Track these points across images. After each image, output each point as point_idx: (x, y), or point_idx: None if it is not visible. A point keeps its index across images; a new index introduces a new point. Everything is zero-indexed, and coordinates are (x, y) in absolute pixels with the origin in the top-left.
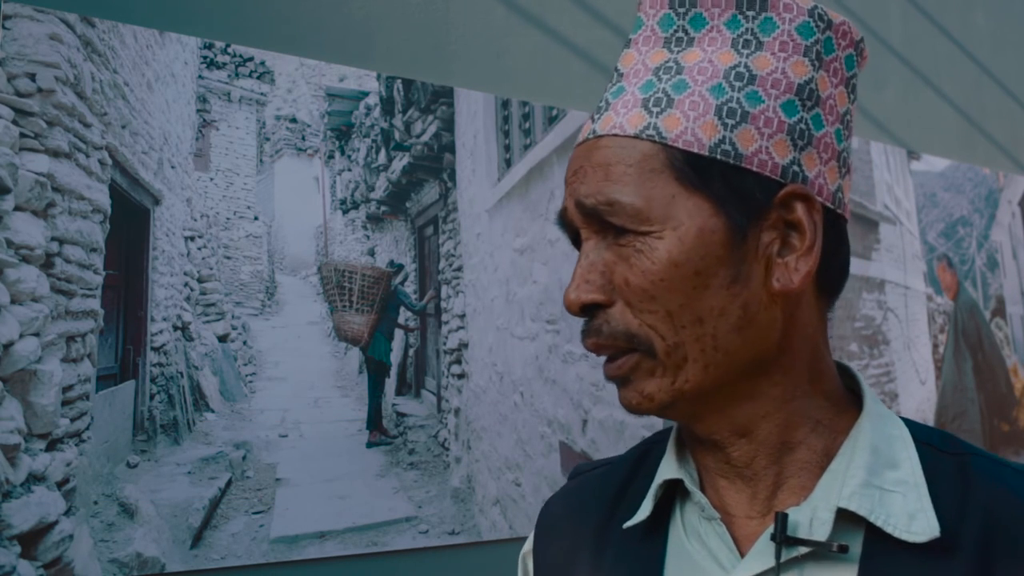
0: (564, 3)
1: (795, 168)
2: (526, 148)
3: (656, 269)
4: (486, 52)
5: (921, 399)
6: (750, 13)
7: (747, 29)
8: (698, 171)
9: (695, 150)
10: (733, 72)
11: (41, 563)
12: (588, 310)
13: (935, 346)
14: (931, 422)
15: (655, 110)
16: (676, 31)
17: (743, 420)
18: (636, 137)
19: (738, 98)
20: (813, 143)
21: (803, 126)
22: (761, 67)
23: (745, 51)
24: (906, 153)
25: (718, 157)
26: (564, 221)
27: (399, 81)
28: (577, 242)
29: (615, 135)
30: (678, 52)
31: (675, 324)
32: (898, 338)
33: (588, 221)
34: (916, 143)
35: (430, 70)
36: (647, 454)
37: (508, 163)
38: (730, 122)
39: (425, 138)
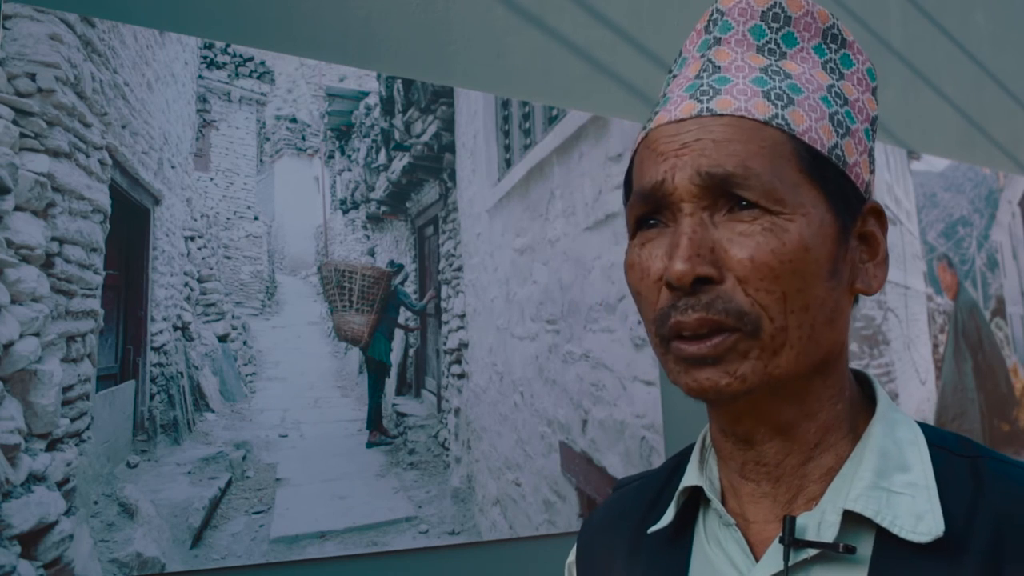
0: (564, 3)
1: (869, 188)
2: (526, 148)
3: (787, 250)
4: (486, 52)
5: (921, 399)
6: (833, 46)
7: (831, 59)
8: (818, 167)
9: (818, 147)
10: (832, 90)
11: (41, 563)
12: (696, 284)
13: (935, 346)
14: (931, 422)
15: (779, 103)
16: (768, 42)
17: (789, 417)
18: (766, 123)
19: (842, 113)
20: (873, 169)
21: (872, 154)
22: (849, 93)
23: (833, 76)
24: (906, 153)
25: (832, 160)
26: (656, 195)
27: (399, 81)
28: (642, 221)
29: (742, 116)
30: (774, 60)
31: (786, 307)
32: (898, 338)
33: (703, 194)
34: (916, 143)
35: (430, 70)
36: (681, 464)
37: (508, 163)
38: (840, 131)
39: (425, 138)
